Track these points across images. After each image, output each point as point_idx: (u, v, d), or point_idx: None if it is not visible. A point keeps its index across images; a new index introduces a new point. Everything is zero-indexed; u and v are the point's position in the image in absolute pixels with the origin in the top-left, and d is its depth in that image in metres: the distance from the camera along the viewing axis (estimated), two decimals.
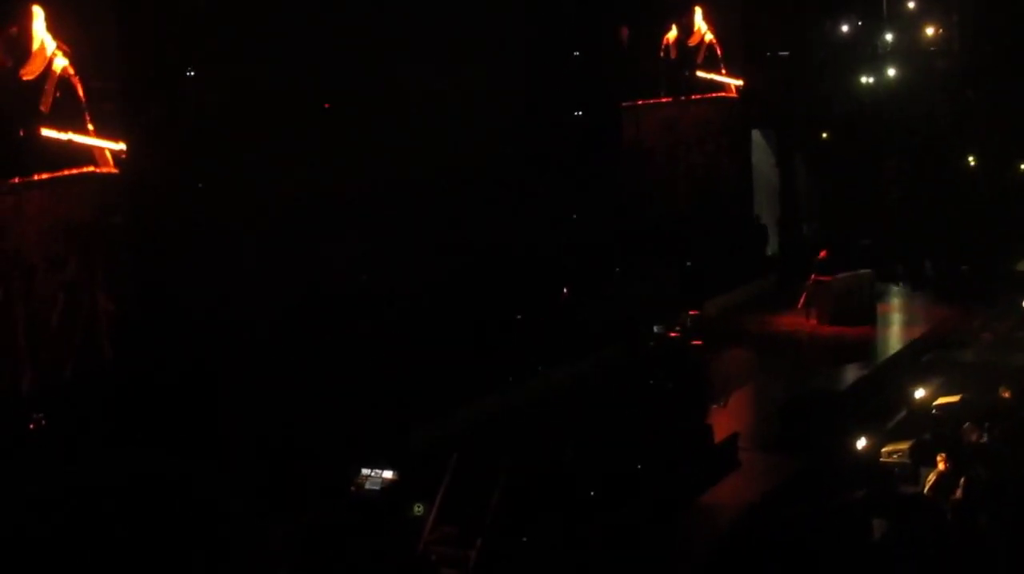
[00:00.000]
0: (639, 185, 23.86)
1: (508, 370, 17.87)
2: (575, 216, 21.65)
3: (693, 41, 25.21)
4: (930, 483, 14.56)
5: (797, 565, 13.03)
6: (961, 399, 17.38)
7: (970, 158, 28.89)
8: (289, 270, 16.66)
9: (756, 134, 27.59)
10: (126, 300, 15.46)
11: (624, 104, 23.55)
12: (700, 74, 25.36)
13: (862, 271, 23.54)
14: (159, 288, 15.65)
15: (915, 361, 20.96)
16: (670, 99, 24.83)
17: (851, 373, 19.96)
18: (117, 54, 15.51)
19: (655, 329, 18.48)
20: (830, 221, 27.94)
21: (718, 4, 25.58)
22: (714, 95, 25.81)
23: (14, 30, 14.56)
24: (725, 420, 17.24)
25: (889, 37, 29.24)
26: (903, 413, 17.98)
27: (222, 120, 16.36)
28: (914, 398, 17.98)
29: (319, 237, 17.30)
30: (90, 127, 15.12)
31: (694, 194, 25.37)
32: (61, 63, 14.82)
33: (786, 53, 27.40)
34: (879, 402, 18.43)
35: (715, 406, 17.84)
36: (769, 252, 27.04)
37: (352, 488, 13.53)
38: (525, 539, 12.99)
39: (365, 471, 13.57)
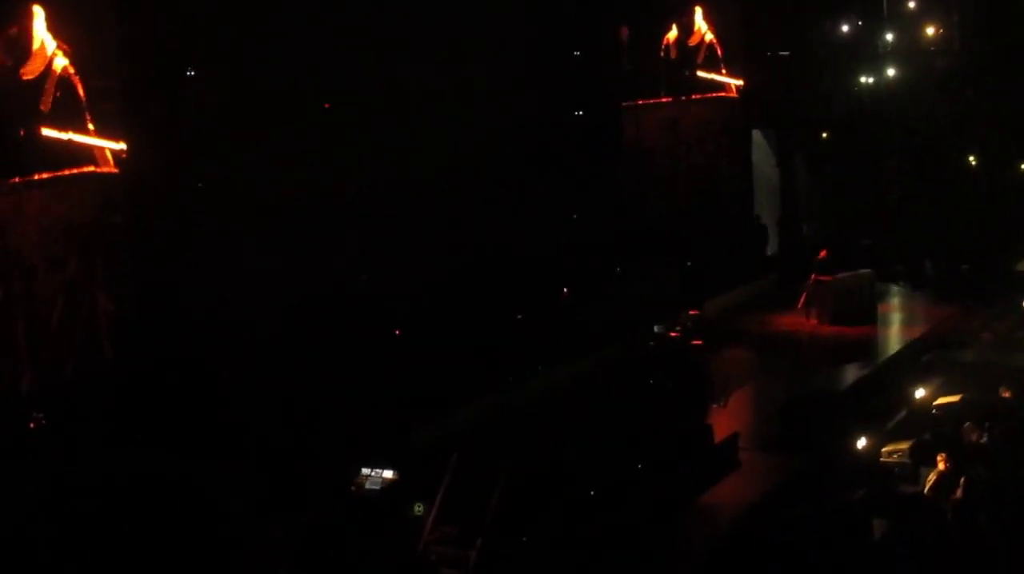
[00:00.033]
0: (639, 185, 23.86)
1: (508, 370, 17.87)
2: (575, 216, 21.64)
3: (693, 41, 25.22)
4: (930, 483, 14.57)
5: (797, 565, 13.03)
6: (961, 399, 17.38)
7: (970, 158, 28.87)
8: (289, 270, 16.65)
9: (756, 134, 27.59)
10: (126, 300, 15.46)
11: (624, 104, 23.55)
12: (700, 74, 25.36)
13: (862, 271, 23.54)
14: (159, 288, 15.65)
15: (915, 361, 20.96)
16: (670, 99, 24.83)
17: (851, 373, 19.96)
18: (117, 54, 15.51)
19: (655, 329, 18.49)
20: (830, 221, 27.95)
21: (718, 4, 25.58)
22: (714, 95, 25.81)
23: (14, 30, 14.56)
24: (725, 420, 17.24)
25: (889, 37, 29.24)
26: (903, 413, 17.98)
27: (222, 120, 16.35)
28: (914, 398, 17.99)
29: (319, 237, 17.29)
30: (90, 127, 15.12)
31: (694, 194, 25.37)
32: (61, 63, 14.82)
33: (786, 53, 27.40)
34: (879, 402, 18.43)
35: (715, 406, 17.83)
36: (769, 252, 27.04)
37: (352, 488, 13.53)
38: (525, 539, 12.99)
39: (365, 471, 13.57)
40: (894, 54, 28.99)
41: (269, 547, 12.77)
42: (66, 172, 14.99)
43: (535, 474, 13.72)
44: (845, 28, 28.63)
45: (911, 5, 29.57)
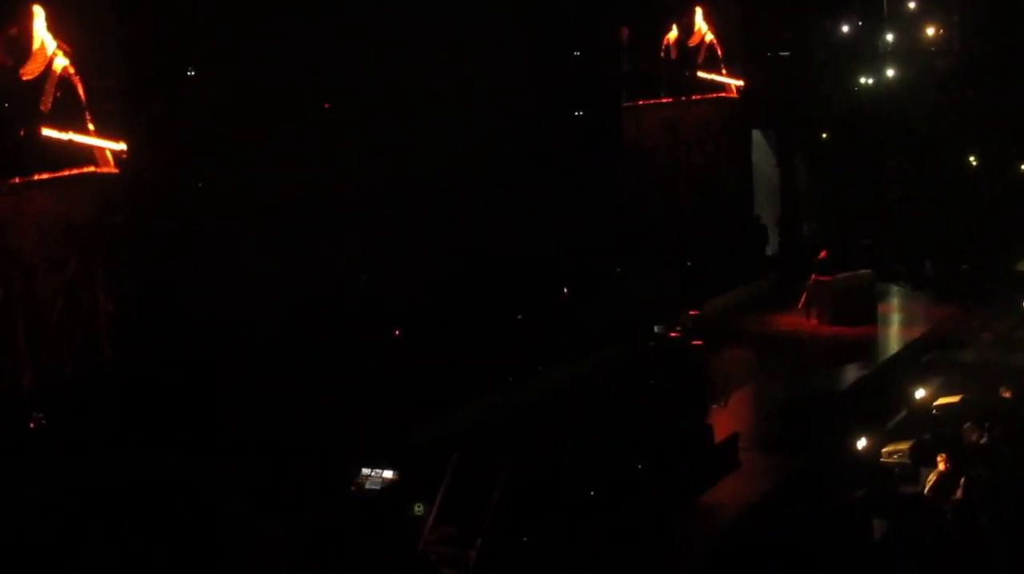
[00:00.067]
0: (639, 185, 23.85)
1: (508, 370, 17.87)
2: (575, 216, 21.63)
3: (693, 41, 25.22)
4: (930, 483, 14.57)
5: (797, 565, 13.03)
6: (961, 399, 17.38)
7: (970, 158, 28.87)
8: (289, 270, 16.65)
9: (756, 134, 27.60)
10: (126, 300, 15.46)
11: (624, 104, 23.56)
12: (700, 74, 25.37)
13: (862, 271, 23.55)
14: (159, 288, 15.65)
15: (915, 361, 20.96)
16: (670, 99, 24.84)
17: (851, 373, 19.97)
18: (117, 54, 15.50)
19: (655, 329, 18.50)
20: (830, 221, 27.95)
21: (718, 4, 25.59)
22: (714, 95, 25.82)
23: (14, 30, 14.55)
24: (725, 420, 17.24)
25: (889, 37, 29.24)
26: (903, 413, 17.98)
27: (222, 120, 16.34)
28: (914, 398, 17.98)
29: (319, 237, 17.29)
30: (90, 127, 15.12)
31: (694, 194, 25.38)
32: (61, 63, 14.82)
33: (786, 53, 27.41)
34: (879, 402, 18.43)
35: (715, 406, 17.84)
36: (769, 252, 27.04)
37: (352, 488, 13.53)
38: (525, 539, 12.99)
39: (365, 471, 13.58)
40: (894, 54, 28.99)
41: (269, 547, 12.77)
42: (66, 172, 14.98)
43: (535, 474, 13.72)
44: (845, 28, 28.63)
45: (911, 5, 29.57)
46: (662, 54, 24.63)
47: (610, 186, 22.62)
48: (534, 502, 13.36)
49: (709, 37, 25.35)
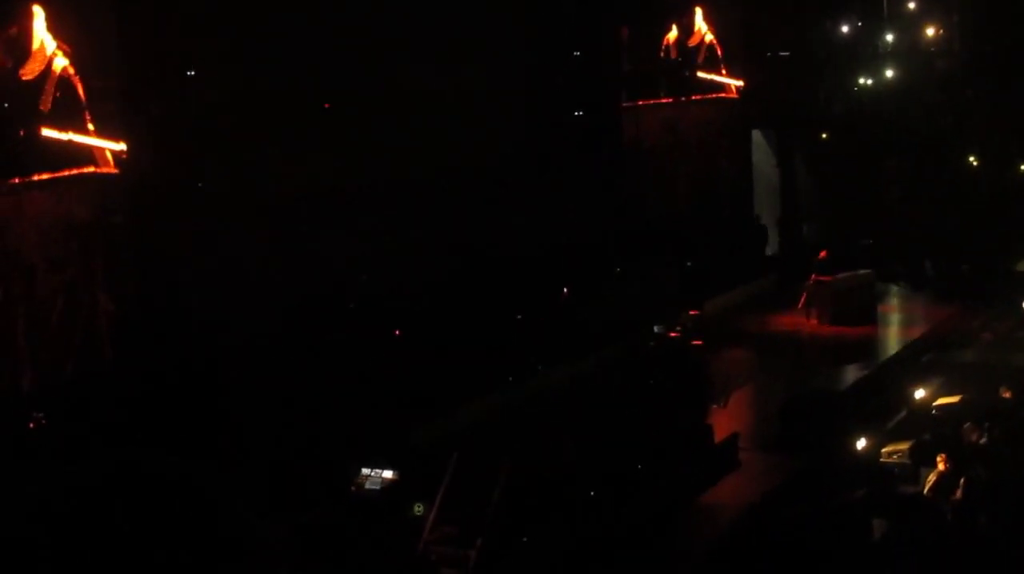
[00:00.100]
0: (639, 185, 23.86)
1: (508, 370, 17.87)
2: (575, 216, 21.64)
3: (693, 41, 25.23)
4: (930, 483, 14.57)
5: (797, 565, 13.03)
6: (961, 399, 17.38)
7: (970, 158, 28.88)
8: (289, 270, 16.65)
9: (756, 134, 27.60)
10: (126, 300, 15.46)
11: (624, 104, 23.56)
12: (700, 75, 25.37)
13: (862, 271, 23.55)
14: (159, 288, 15.65)
15: (915, 361, 20.96)
16: (670, 99, 24.84)
17: (851, 373, 19.95)
18: (117, 54, 15.50)
19: (655, 329, 18.49)
20: (830, 221, 27.94)
21: (718, 4, 25.60)
22: (714, 96, 25.82)
23: (14, 30, 14.54)
24: (725, 420, 17.24)
25: (889, 37, 29.24)
26: (903, 413, 17.98)
27: (222, 120, 16.35)
28: (914, 398, 17.99)
29: (319, 237, 17.29)
30: (90, 127, 15.11)
31: (694, 194, 25.38)
32: (61, 63, 14.81)
33: (786, 53, 27.41)
34: (879, 402, 18.42)
35: (715, 406, 17.83)
36: (769, 252, 27.04)
37: (352, 488, 13.53)
38: (525, 539, 12.99)
39: (365, 471, 13.58)
40: (894, 54, 28.99)
41: (269, 547, 12.78)
42: (66, 173, 14.98)
43: (535, 474, 13.72)
44: (845, 28, 28.63)
45: (911, 6, 29.57)
46: (662, 54, 24.64)
47: (610, 186, 22.63)
48: (534, 502, 13.36)
49: (709, 37, 25.36)
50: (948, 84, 29.20)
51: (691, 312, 19.56)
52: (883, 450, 15.91)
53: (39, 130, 14.73)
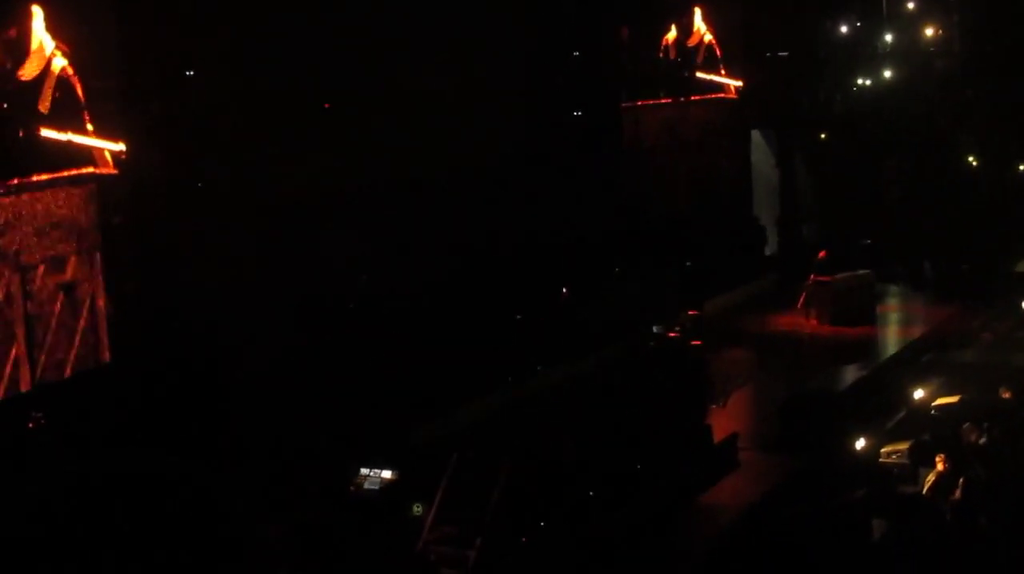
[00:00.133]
0: (639, 185, 23.86)
1: (508, 370, 17.87)
2: (575, 216, 21.64)
3: (693, 42, 25.22)
4: (929, 483, 14.59)
5: (797, 565, 13.03)
6: (960, 399, 17.40)
7: (970, 158, 28.89)
8: (289, 270, 16.65)
9: (756, 134, 27.60)
10: (126, 300, 15.45)
11: (624, 104, 23.56)
12: (699, 75, 25.36)
13: (862, 271, 23.54)
14: (159, 288, 15.64)
15: (915, 361, 20.96)
16: (670, 100, 24.85)
17: (851, 373, 19.95)
18: (117, 54, 15.49)
19: (655, 329, 18.48)
20: (830, 221, 27.95)
21: (717, 4, 25.58)
22: (714, 96, 25.82)
23: (13, 31, 14.53)
24: (725, 420, 17.24)
25: (889, 37, 29.24)
26: (902, 413, 17.99)
27: (222, 120, 16.34)
28: (913, 398, 18.00)
29: (319, 237, 17.29)
30: (89, 127, 15.10)
31: (694, 194, 25.38)
32: (60, 63, 14.78)
33: (786, 54, 27.40)
34: (879, 402, 18.43)
35: (714, 406, 17.83)
36: (767, 252, 27.04)
37: (351, 488, 13.52)
38: (525, 539, 12.99)
39: (364, 471, 13.57)
40: (894, 54, 29.00)
41: (269, 547, 12.77)
42: (65, 173, 14.97)
43: (535, 474, 13.72)
44: (845, 29, 28.63)
45: (910, 6, 29.58)
46: (661, 54, 24.64)
47: (610, 186, 22.63)
48: (534, 502, 13.35)
49: (708, 37, 25.35)
50: (948, 84, 29.22)
51: (690, 312, 19.55)
52: (882, 450, 15.93)
53: (38, 130, 14.71)
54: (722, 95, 25.98)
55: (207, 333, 15.50)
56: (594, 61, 22.59)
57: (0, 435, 13.79)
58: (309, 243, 17.10)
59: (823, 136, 28.32)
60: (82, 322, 14.99)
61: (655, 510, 14.57)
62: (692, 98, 25.30)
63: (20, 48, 14.60)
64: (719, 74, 25.68)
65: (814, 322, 22.90)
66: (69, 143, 14.90)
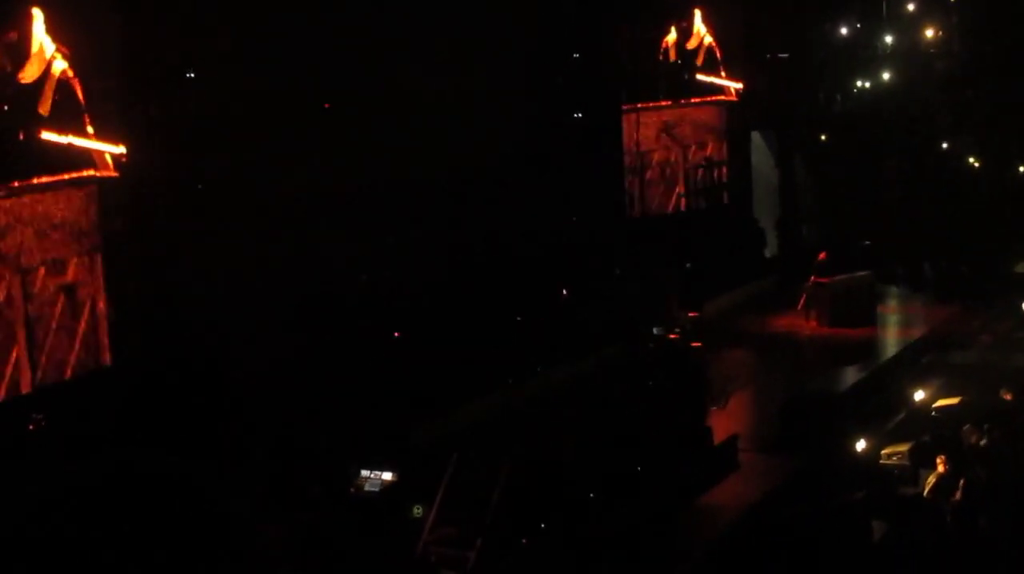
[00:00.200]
0: (639, 185, 23.87)
1: (508, 370, 17.88)
2: (575, 217, 21.65)
3: (692, 43, 25.22)
4: (930, 485, 14.59)
5: (797, 566, 13.04)
6: (961, 401, 17.40)
7: (970, 158, 28.89)
8: (289, 270, 16.66)
9: (756, 135, 27.58)
10: (126, 301, 15.47)
11: (624, 106, 23.58)
12: (699, 76, 25.37)
13: (861, 272, 23.53)
14: (159, 288, 15.65)
15: (915, 362, 20.96)
16: (669, 101, 24.86)
17: (851, 374, 19.93)
18: (116, 56, 15.50)
19: (655, 330, 18.47)
20: (830, 222, 27.94)
21: (718, 6, 25.58)
22: (713, 98, 25.82)
23: (13, 34, 14.54)
24: (725, 421, 17.24)
25: (889, 38, 29.24)
26: (903, 414, 17.99)
27: (222, 121, 16.35)
28: (914, 399, 18.00)
29: (319, 237, 17.29)
30: (89, 130, 15.11)
31: (694, 195, 25.37)
32: (60, 66, 14.80)
33: (786, 54, 27.40)
34: (879, 403, 18.43)
35: (714, 407, 17.83)
36: (767, 253, 27.04)
37: (352, 489, 13.53)
38: (525, 540, 12.99)
39: (364, 472, 13.57)
40: (894, 55, 29.00)
41: (269, 547, 12.78)
42: (66, 175, 14.99)
43: (535, 474, 13.72)
44: (845, 30, 28.63)
45: (910, 7, 29.57)
46: (661, 56, 24.65)
47: (610, 186, 22.63)
48: (534, 502, 13.36)
49: (708, 39, 25.35)
50: (948, 84, 29.21)
51: (690, 313, 19.55)
52: (883, 451, 15.93)
53: (38, 133, 14.73)
54: (722, 96, 25.99)
55: (207, 334, 15.51)
56: (594, 62, 22.59)
57: (1, 436, 13.80)
58: (309, 243, 17.11)
59: (823, 137, 28.30)
60: (82, 324, 15.03)
61: (655, 511, 14.57)
62: (692, 99, 25.31)
63: (20, 51, 14.62)
64: (719, 76, 25.68)
65: (814, 323, 22.90)
66: (69, 145, 14.94)
